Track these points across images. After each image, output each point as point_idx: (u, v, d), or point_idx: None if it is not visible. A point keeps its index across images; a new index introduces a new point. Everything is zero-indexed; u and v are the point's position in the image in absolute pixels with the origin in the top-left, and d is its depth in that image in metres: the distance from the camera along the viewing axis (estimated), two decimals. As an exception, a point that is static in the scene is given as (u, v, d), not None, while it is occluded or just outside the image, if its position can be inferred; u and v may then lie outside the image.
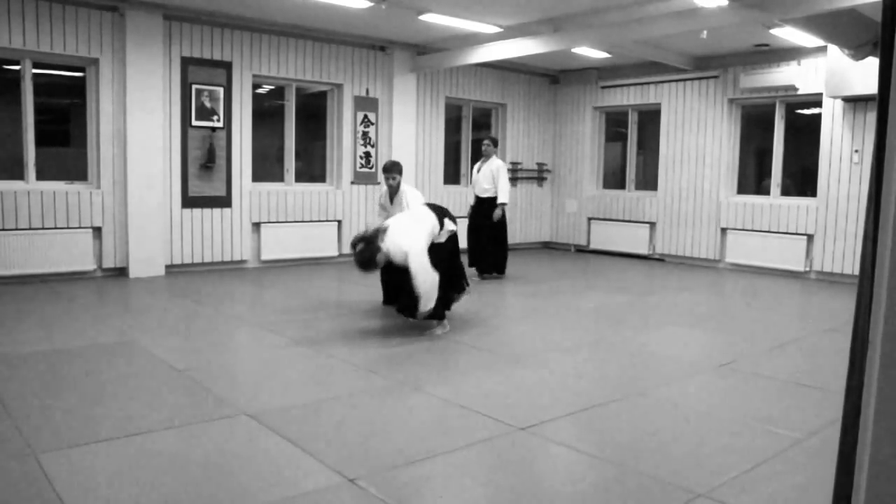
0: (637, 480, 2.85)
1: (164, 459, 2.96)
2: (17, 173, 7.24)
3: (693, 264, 10.01)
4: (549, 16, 7.85)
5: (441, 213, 5.46)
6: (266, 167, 9.03)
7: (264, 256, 8.73)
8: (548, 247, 11.99)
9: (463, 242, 6.86)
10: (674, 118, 10.21)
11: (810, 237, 8.85)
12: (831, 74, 8.13)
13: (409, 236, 5.00)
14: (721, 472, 2.92)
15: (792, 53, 8.90)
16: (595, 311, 6.51)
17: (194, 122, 8.04)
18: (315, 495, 2.66)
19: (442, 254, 5.29)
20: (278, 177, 9.07)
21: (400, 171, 6.29)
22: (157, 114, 7.72)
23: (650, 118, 10.80)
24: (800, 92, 8.87)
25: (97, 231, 7.55)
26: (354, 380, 4.18)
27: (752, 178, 10.01)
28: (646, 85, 10.52)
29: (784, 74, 8.86)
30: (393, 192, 6.31)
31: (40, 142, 7.36)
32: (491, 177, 8.10)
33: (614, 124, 11.47)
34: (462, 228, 6.69)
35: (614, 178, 11.42)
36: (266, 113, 9.22)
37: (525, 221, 11.63)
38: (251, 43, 8.44)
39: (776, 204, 9.21)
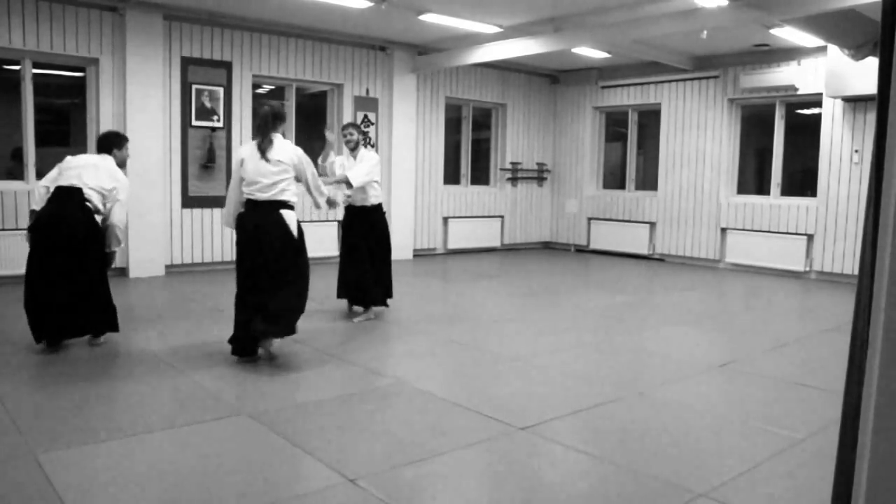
0: (637, 480, 2.85)
1: (164, 460, 2.96)
2: (17, 173, 7.24)
3: (693, 264, 10.01)
4: (549, 16, 7.85)
5: None
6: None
7: (264, 256, 8.71)
8: (548, 247, 11.98)
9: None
10: (674, 118, 10.21)
11: (810, 237, 8.85)
12: (831, 74, 8.13)
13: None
14: (721, 472, 2.92)
15: (792, 53, 8.90)
16: (595, 311, 6.51)
17: (194, 122, 8.04)
18: (315, 495, 2.66)
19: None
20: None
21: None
22: (157, 114, 7.72)
23: (650, 118, 10.79)
24: (800, 92, 8.86)
25: (97, 231, 7.54)
26: (354, 379, 4.18)
27: (752, 178, 10.01)
28: (646, 85, 10.52)
29: (784, 74, 8.85)
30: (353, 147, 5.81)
31: (40, 142, 7.36)
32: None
33: (614, 124, 11.47)
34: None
35: (614, 178, 11.42)
36: (266, 113, 9.20)
37: (525, 221, 11.62)
38: (251, 43, 8.43)
39: (776, 204, 9.20)
